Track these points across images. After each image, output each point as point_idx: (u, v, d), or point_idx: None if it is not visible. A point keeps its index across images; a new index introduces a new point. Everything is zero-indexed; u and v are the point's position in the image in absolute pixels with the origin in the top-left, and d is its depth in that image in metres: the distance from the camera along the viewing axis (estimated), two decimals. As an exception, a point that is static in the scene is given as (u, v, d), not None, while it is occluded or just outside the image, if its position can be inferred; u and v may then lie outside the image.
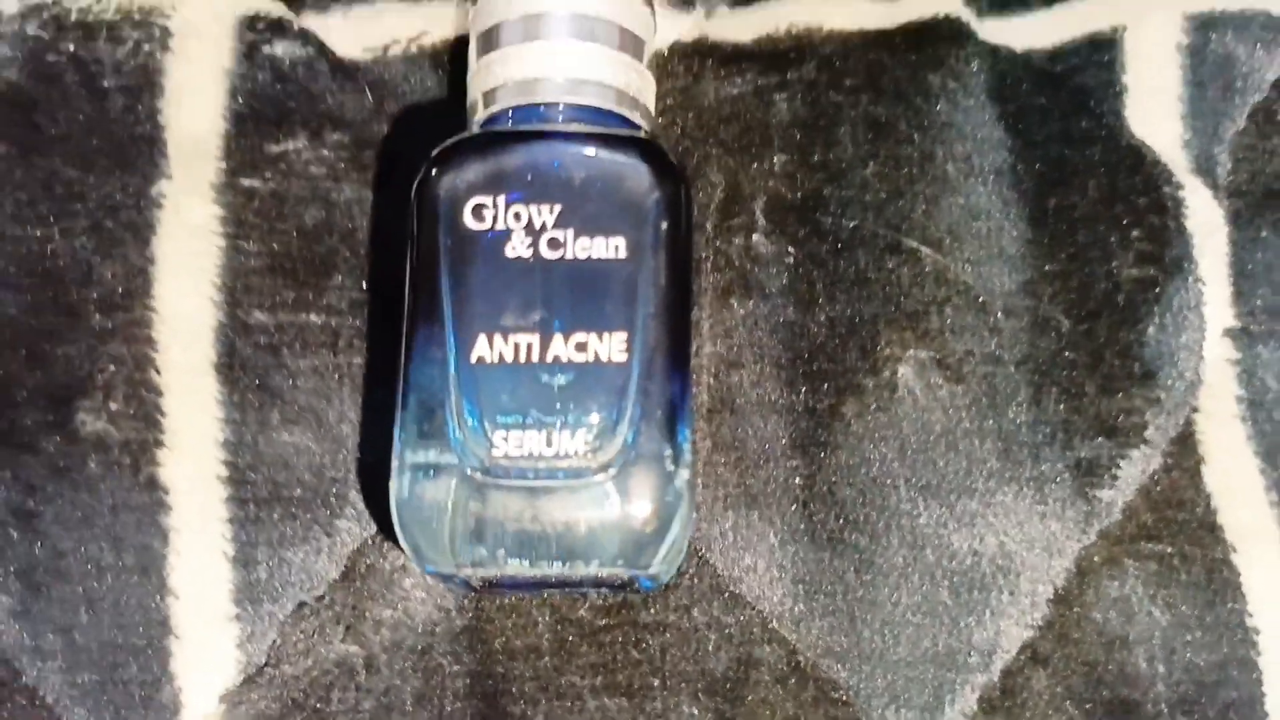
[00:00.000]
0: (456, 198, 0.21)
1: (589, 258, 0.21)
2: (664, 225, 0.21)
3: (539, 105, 0.22)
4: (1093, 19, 0.26)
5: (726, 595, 0.23)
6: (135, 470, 0.23)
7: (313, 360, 0.24)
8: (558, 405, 0.20)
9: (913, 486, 0.23)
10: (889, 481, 0.23)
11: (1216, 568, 0.23)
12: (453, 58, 0.26)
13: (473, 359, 0.20)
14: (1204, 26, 0.26)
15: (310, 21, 0.26)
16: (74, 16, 0.25)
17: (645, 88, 0.23)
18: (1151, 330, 0.24)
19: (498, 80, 0.22)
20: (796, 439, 0.23)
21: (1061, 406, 0.24)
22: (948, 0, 0.26)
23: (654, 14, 0.23)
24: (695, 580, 0.23)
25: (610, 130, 0.22)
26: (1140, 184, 0.25)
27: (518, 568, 0.20)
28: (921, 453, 0.23)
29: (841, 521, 0.23)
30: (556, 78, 0.22)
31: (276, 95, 0.25)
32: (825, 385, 0.24)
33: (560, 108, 0.22)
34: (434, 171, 0.21)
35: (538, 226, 0.21)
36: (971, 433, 0.24)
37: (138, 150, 0.24)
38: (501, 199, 0.21)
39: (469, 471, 0.20)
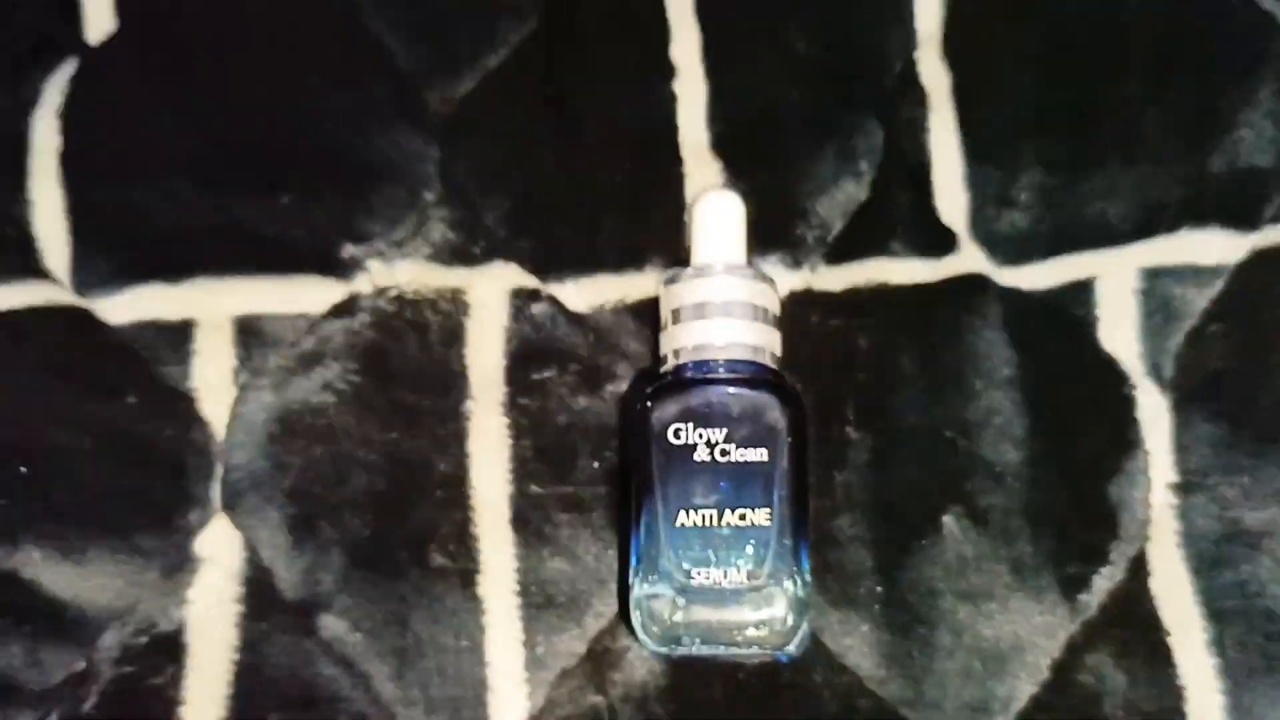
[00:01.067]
0: (664, 423, 0.35)
1: (744, 461, 0.34)
2: (789, 439, 0.35)
3: (706, 360, 0.36)
4: (1076, 269, 0.40)
5: (835, 665, 0.37)
6: (464, 587, 0.38)
7: (569, 515, 0.39)
8: (728, 552, 0.34)
9: (954, 594, 0.37)
10: (939, 591, 0.37)
11: (1158, 645, 0.37)
12: (641, 311, 0.40)
13: (676, 524, 0.34)
14: (1152, 276, 0.40)
15: (554, 289, 0.41)
16: (408, 295, 0.40)
17: (773, 339, 0.36)
18: (1113, 488, 0.38)
19: (680, 344, 0.36)
20: (877, 563, 0.38)
21: (1053, 540, 0.38)
22: (976, 259, 0.40)
23: (775, 290, 0.37)
24: (815, 656, 0.37)
25: (752, 375, 0.35)
26: (1106, 386, 0.39)
27: (705, 650, 0.34)
28: (960, 573, 0.37)
29: (908, 617, 0.37)
30: (717, 341, 0.36)
31: (535, 340, 0.40)
32: (894, 527, 0.38)
33: (720, 361, 0.35)
34: (648, 405, 0.35)
35: (713, 442, 0.35)
36: (992, 559, 0.38)
37: (452, 381, 0.40)
38: (690, 425, 0.35)
39: (675, 592, 0.34)
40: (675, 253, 0.41)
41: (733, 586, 0.34)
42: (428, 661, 0.37)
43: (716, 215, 0.37)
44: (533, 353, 0.40)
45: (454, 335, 0.40)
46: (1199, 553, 0.38)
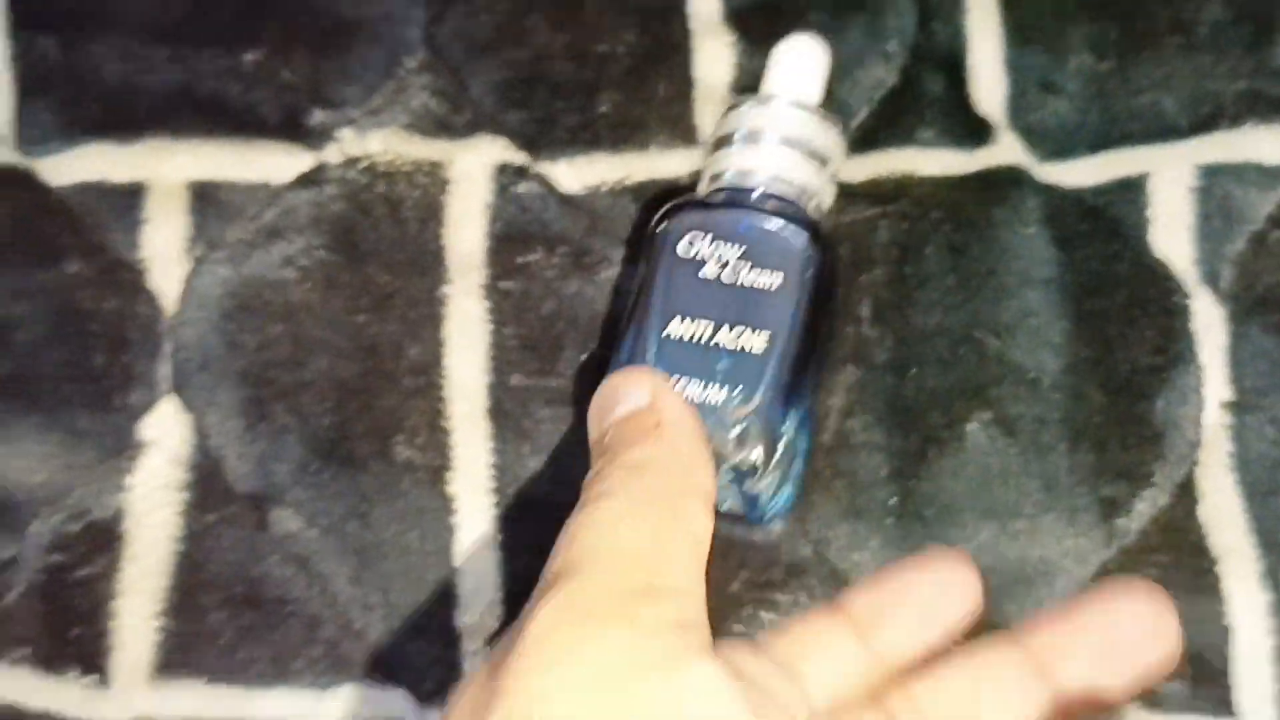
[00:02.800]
0: (676, 234, 0.33)
1: (753, 286, 0.32)
2: (811, 276, 0.32)
3: (742, 187, 0.33)
4: (1125, 165, 0.38)
5: (841, 581, 0.35)
6: (432, 485, 0.36)
7: (552, 410, 0.36)
8: (714, 371, 0.31)
9: (976, 512, 0.35)
10: (959, 507, 0.35)
11: (1202, 575, 0.35)
12: (642, 193, 0.38)
13: (664, 332, 0.32)
14: (1210, 174, 0.38)
15: (543, 168, 0.39)
16: (382, 167, 0.38)
17: (824, 188, 0.34)
18: (1160, 404, 0.36)
19: (719, 168, 0.34)
20: (892, 472, 0.36)
21: (1091, 457, 0.36)
22: (1014, 152, 0.38)
23: (841, 140, 0.35)
24: (817, 571, 0.35)
25: (789, 210, 0.33)
26: (1157, 293, 0.37)
27: None
28: (984, 487, 0.35)
29: (924, 533, 0.35)
30: (759, 169, 0.34)
31: (521, 221, 0.38)
32: (913, 435, 0.36)
33: (757, 190, 0.33)
34: (664, 219, 0.33)
35: (724, 260, 0.32)
36: (1020, 473, 0.35)
37: (428, 262, 0.38)
38: (704, 237, 0.32)
39: None
40: (681, 131, 0.39)
41: (711, 405, 0.31)
42: (389, 564, 0.35)
43: (795, 55, 0.35)
44: (517, 234, 0.38)
45: (431, 212, 0.38)
46: (1253, 478, 0.35)
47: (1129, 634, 0.27)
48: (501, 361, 0.37)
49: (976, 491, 0.35)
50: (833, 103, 0.38)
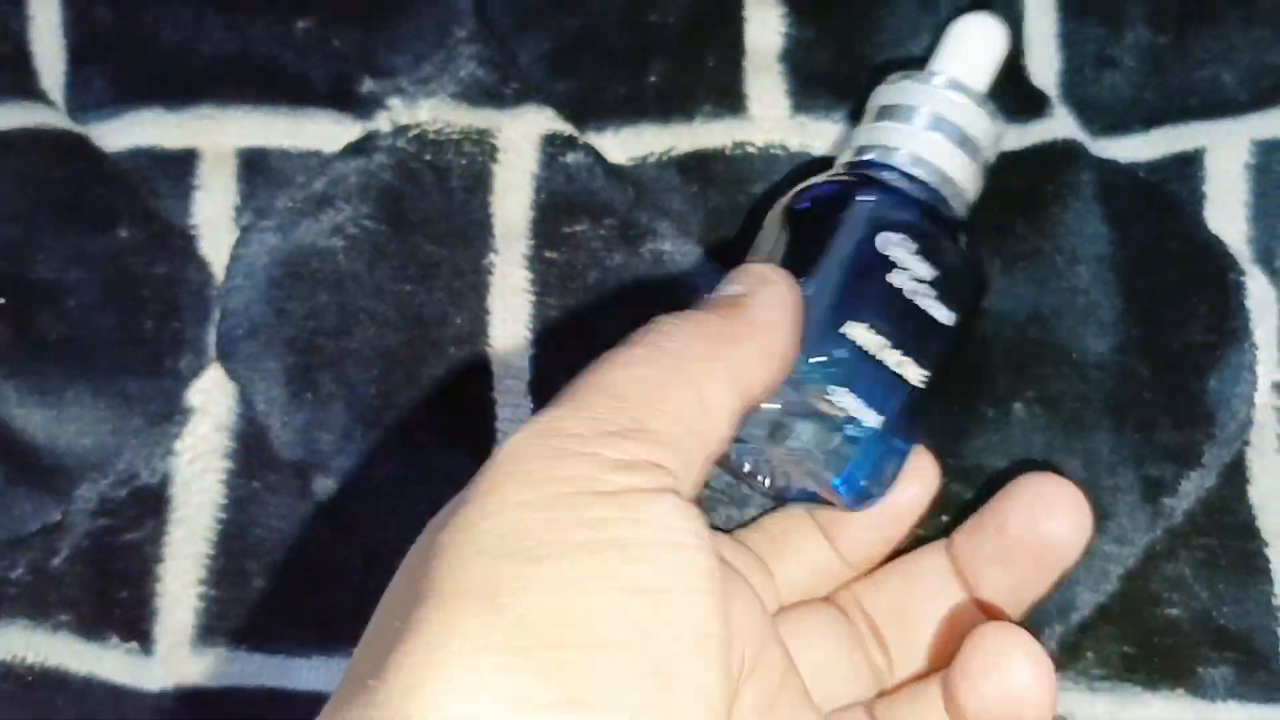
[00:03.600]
0: (876, 223, 0.30)
1: (928, 313, 0.30)
2: (974, 318, 0.31)
3: (929, 183, 0.31)
4: (1181, 141, 0.37)
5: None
6: (474, 457, 0.36)
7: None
8: (863, 387, 0.29)
9: (1021, 489, 0.34)
10: (1002, 483, 0.34)
11: (1251, 558, 0.34)
12: (686, 165, 0.38)
13: (841, 331, 0.29)
14: (1267, 150, 0.36)
15: (591, 139, 0.38)
16: (430, 136, 0.38)
17: (971, 180, 0.33)
18: (1213, 383, 0.35)
19: (895, 143, 0.32)
20: (939, 449, 0.35)
21: (1137, 435, 0.35)
22: (1069, 126, 0.37)
23: (997, 126, 0.33)
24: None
25: (970, 229, 0.32)
26: (1211, 270, 0.36)
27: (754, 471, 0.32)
28: (1026, 464, 0.35)
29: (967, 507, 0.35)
30: (951, 167, 0.32)
31: (568, 191, 0.38)
32: (959, 411, 0.35)
33: (948, 189, 0.32)
34: (861, 188, 0.30)
35: (918, 277, 0.30)
36: (1062, 450, 0.35)
37: (474, 232, 0.37)
38: (908, 243, 0.30)
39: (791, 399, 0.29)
40: (730, 102, 0.38)
41: (859, 424, 0.29)
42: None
43: (970, 35, 0.34)
44: (564, 204, 0.37)
45: (478, 181, 0.37)
46: (1305, 461, 0.34)
47: (1046, 538, 0.31)
48: (544, 331, 0.36)
49: (1018, 470, 0.34)
50: (881, 78, 0.37)
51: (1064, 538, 0.31)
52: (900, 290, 0.30)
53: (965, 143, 0.32)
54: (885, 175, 0.31)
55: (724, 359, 0.26)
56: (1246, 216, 0.36)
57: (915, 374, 0.30)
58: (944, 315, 0.30)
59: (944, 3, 0.38)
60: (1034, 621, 0.34)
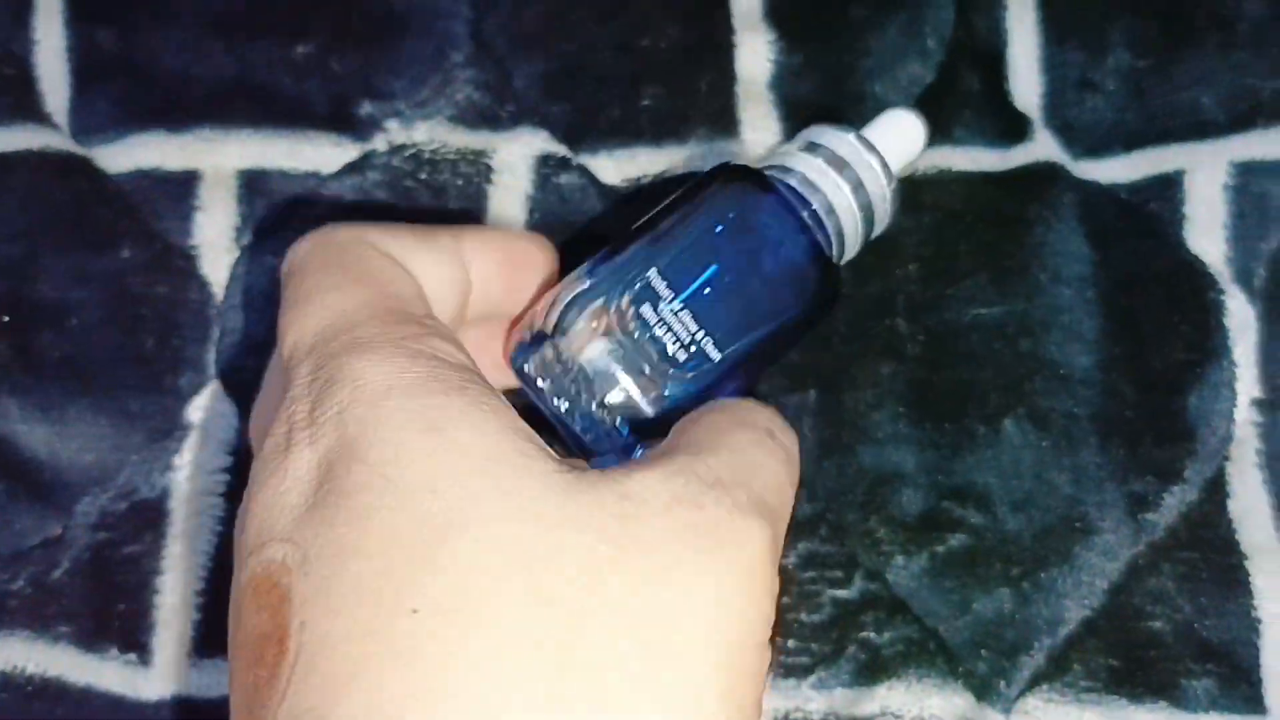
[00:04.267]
0: (732, 200, 0.30)
1: (747, 296, 0.29)
2: (812, 298, 0.30)
3: (807, 202, 0.31)
4: (1162, 162, 0.37)
5: (867, 574, 0.35)
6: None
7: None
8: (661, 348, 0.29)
9: (1005, 503, 0.35)
10: (990, 498, 0.35)
11: (1231, 572, 0.34)
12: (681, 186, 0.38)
13: (649, 273, 0.29)
14: (1246, 172, 0.37)
15: (585, 160, 0.38)
16: (426, 156, 0.38)
17: (856, 245, 0.32)
18: (1193, 400, 0.35)
19: (801, 170, 0.32)
20: (922, 465, 0.35)
21: (1122, 452, 0.35)
22: (1051, 149, 0.38)
23: (888, 191, 0.32)
24: (842, 562, 0.35)
25: (819, 223, 0.31)
26: (1191, 290, 0.36)
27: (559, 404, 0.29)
28: (1015, 479, 0.35)
29: (957, 523, 0.35)
30: (811, 173, 0.31)
31: (561, 212, 0.38)
32: (947, 427, 0.35)
33: (809, 211, 0.31)
34: (731, 178, 0.30)
35: (743, 264, 0.29)
36: (1051, 467, 0.35)
37: (469, 250, 0.37)
38: (745, 233, 0.29)
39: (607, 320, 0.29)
40: (721, 125, 0.38)
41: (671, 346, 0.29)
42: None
43: (892, 126, 0.34)
44: (557, 225, 0.37)
45: (473, 200, 0.38)
46: (1283, 475, 0.35)
47: None
48: (539, 349, 0.36)
49: (1007, 484, 0.35)
50: (867, 103, 0.38)
51: None
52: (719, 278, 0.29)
53: (859, 193, 0.32)
54: (784, 186, 0.31)
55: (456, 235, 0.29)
56: (1225, 237, 0.36)
57: (712, 350, 0.29)
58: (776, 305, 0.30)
59: (928, 31, 0.38)
60: (1023, 636, 0.34)
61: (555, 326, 0.29)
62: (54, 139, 0.38)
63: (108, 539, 0.36)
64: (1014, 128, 0.38)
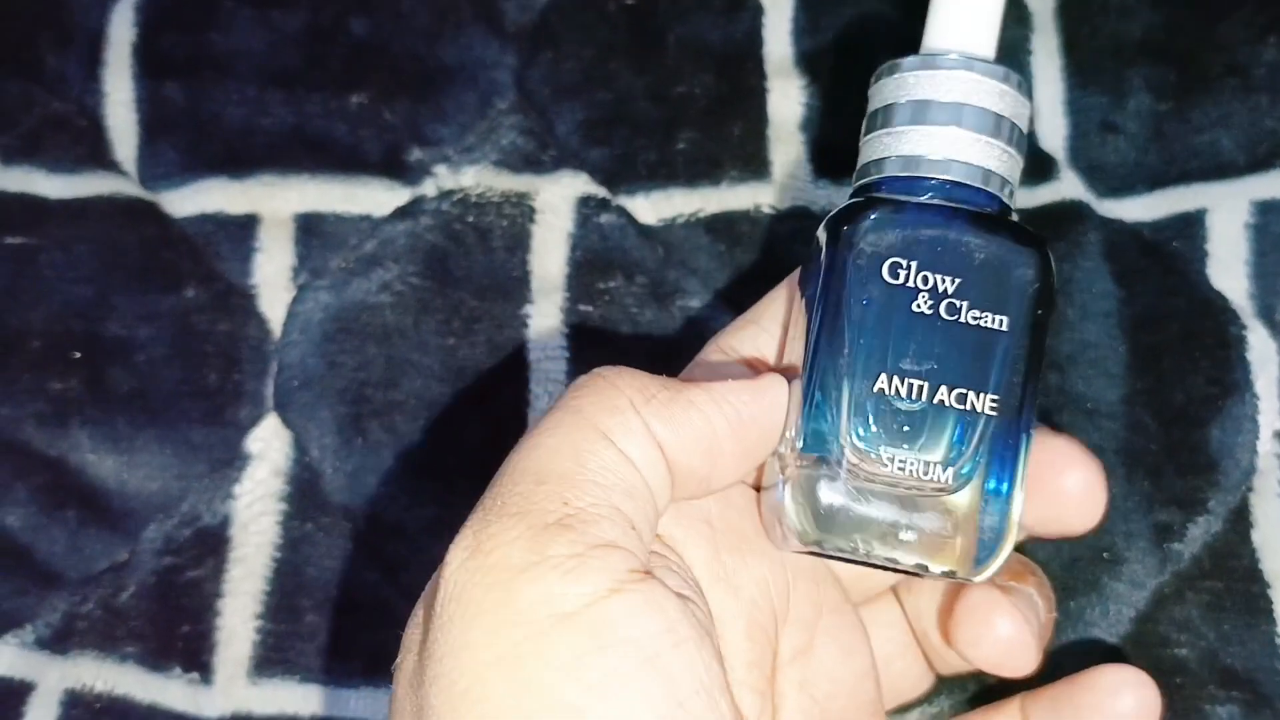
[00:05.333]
0: (879, 253, 0.25)
1: (978, 325, 0.26)
2: (1039, 311, 0.26)
3: (932, 179, 0.26)
4: (1183, 201, 0.38)
5: (899, 601, 0.35)
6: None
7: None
8: (930, 438, 0.25)
9: (1032, 533, 0.35)
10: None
11: (1255, 600, 0.34)
12: (713, 225, 0.39)
13: (874, 389, 0.25)
14: (1265, 210, 0.37)
15: (623, 201, 0.39)
16: (473, 199, 0.39)
17: (1018, 170, 0.28)
18: (1215, 432, 0.36)
19: (891, 151, 0.27)
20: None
21: (1147, 484, 0.35)
22: (1076, 188, 0.38)
23: (1029, 102, 0.28)
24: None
25: (997, 213, 0.27)
26: (1213, 325, 0.36)
27: (867, 556, 0.26)
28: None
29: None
30: (948, 157, 0.26)
31: (602, 250, 0.39)
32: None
33: (951, 184, 0.26)
34: (854, 221, 0.26)
35: (940, 291, 0.26)
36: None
37: (513, 287, 0.39)
38: (915, 263, 0.25)
39: (846, 479, 0.25)
40: (753, 166, 0.39)
41: (929, 484, 0.25)
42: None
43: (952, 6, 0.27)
44: (598, 262, 0.38)
45: (518, 240, 0.39)
46: (1307, 506, 0.35)
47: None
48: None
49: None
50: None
51: None
52: (934, 315, 0.26)
53: (968, 119, 0.27)
54: (881, 192, 0.27)
55: (638, 411, 0.25)
56: (1247, 273, 0.37)
57: (986, 402, 0.26)
58: (993, 321, 0.26)
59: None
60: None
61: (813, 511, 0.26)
62: (124, 185, 0.40)
63: (172, 564, 0.37)
64: (1040, 168, 0.38)
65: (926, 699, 0.34)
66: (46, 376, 0.38)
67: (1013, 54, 0.39)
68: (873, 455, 0.25)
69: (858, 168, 0.28)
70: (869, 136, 0.28)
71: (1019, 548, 0.29)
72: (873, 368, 0.25)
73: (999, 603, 0.28)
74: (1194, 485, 0.35)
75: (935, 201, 0.26)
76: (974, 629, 0.28)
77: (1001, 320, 0.26)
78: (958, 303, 0.26)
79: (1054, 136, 0.39)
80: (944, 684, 0.34)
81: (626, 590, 0.22)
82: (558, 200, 0.39)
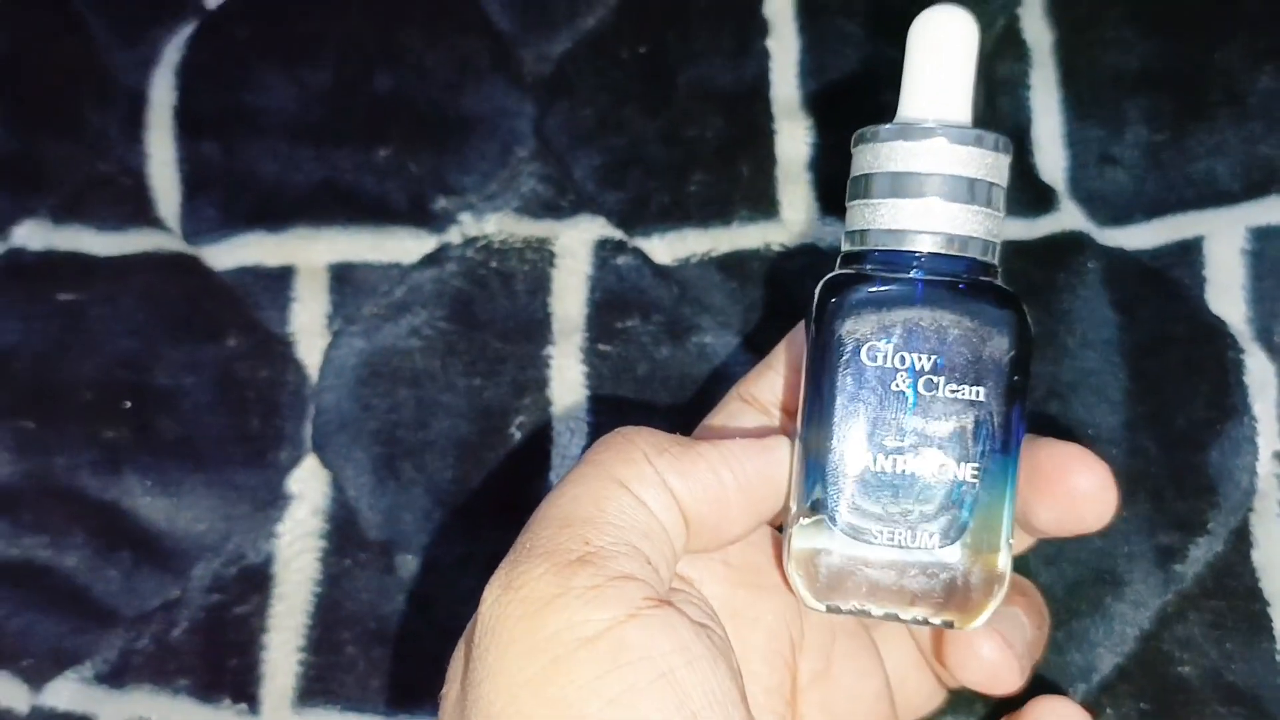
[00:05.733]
0: (856, 338, 0.26)
1: (955, 397, 0.26)
2: (1016, 378, 0.27)
3: (907, 253, 0.27)
4: (1181, 229, 0.38)
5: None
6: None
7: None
8: (919, 507, 0.27)
9: (1038, 557, 0.36)
10: (1023, 555, 0.36)
11: (1256, 619, 0.35)
12: (726, 264, 0.40)
13: (860, 466, 0.27)
14: (1262, 237, 0.38)
15: (639, 242, 0.41)
16: (496, 245, 0.41)
17: (997, 229, 0.28)
18: (1214, 455, 0.36)
19: (869, 224, 0.27)
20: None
21: (1148, 506, 0.36)
22: (1076, 218, 0.39)
23: (1007, 158, 0.28)
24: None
25: (971, 282, 0.27)
26: (1212, 350, 0.37)
27: (871, 611, 0.27)
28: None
29: (988, 579, 0.36)
30: (923, 229, 0.27)
31: (619, 290, 0.40)
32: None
33: (925, 257, 0.27)
34: (833, 304, 0.27)
35: (918, 369, 0.26)
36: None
37: (535, 328, 0.40)
38: (890, 345, 0.26)
39: (846, 547, 0.27)
40: (763, 205, 0.40)
41: (921, 549, 0.27)
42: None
43: (937, 45, 0.27)
44: (616, 302, 0.40)
45: (539, 283, 0.40)
46: (1307, 526, 0.36)
47: None
48: (600, 419, 0.39)
49: (1040, 540, 0.36)
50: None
51: None
52: (910, 393, 0.27)
53: (945, 189, 0.27)
54: (862, 266, 0.28)
55: (652, 462, 0.27)
56: (1245, 298, 0.38)
57: (966, 471, 0.27)
58: (970, 393, 0.27)
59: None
60: (1059, 682, 0.35)
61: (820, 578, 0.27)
62: (166, 241, 0.42)
63: (220, 601, 0.39)
64: (1041, 199, 0.39)
65: (939, 714, 0.35)
66: (98, 426, 0.40)
67: (1012, 89, 0.40)
68: (865, 523, 0.27)
69: (845, 231, 0.29)
70: (851, 203, 0.28)
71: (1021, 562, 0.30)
72: (856, 443, 0.27)
73: (982, 628, 0.29)
74: (1195, 507, 0.36)
75: (914, 277, 0.27)
76: (960, 652, 0.30)
77: (979, 391, 0.27)
78: (935, 378, 0.26)
79: (1054, 169, 0.40)
80: (957, 699, 0.35)
81: (643, 615, 0.24)
82: (576, 244, 0.41)
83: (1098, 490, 0.29)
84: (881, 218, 0.27)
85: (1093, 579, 0.36)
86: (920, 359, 0.26)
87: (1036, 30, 0.41)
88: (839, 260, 0.29)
